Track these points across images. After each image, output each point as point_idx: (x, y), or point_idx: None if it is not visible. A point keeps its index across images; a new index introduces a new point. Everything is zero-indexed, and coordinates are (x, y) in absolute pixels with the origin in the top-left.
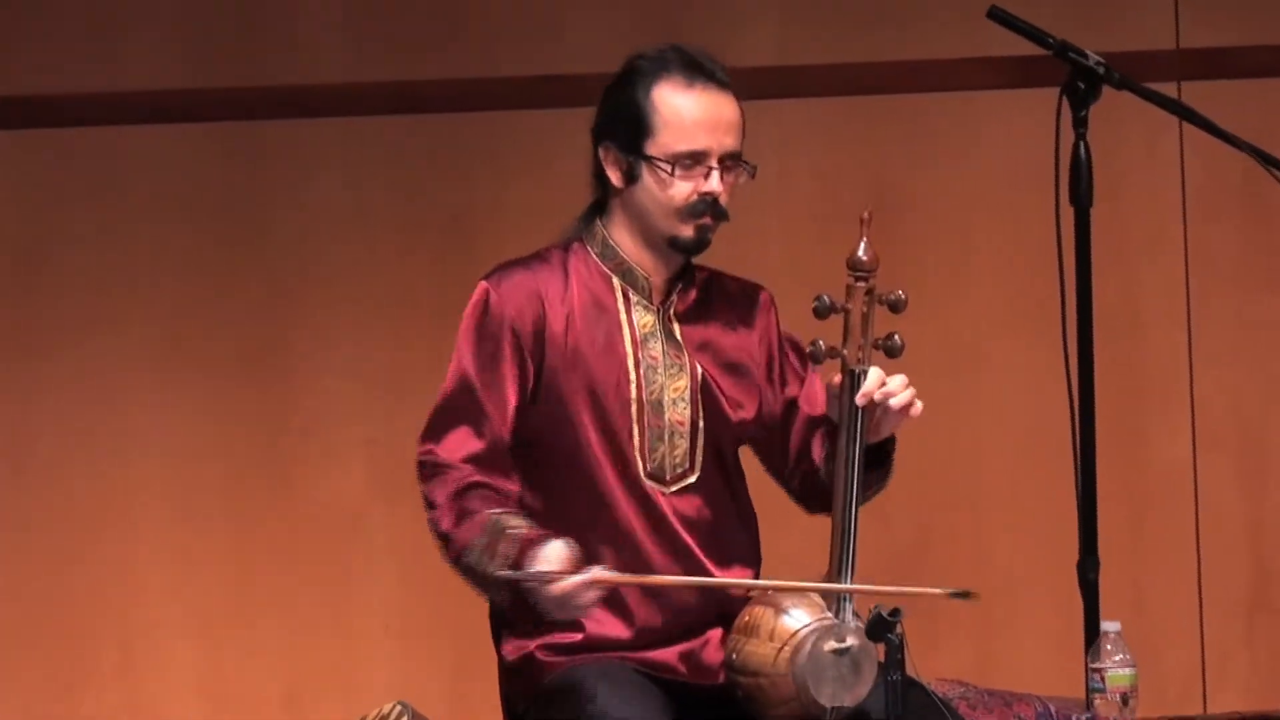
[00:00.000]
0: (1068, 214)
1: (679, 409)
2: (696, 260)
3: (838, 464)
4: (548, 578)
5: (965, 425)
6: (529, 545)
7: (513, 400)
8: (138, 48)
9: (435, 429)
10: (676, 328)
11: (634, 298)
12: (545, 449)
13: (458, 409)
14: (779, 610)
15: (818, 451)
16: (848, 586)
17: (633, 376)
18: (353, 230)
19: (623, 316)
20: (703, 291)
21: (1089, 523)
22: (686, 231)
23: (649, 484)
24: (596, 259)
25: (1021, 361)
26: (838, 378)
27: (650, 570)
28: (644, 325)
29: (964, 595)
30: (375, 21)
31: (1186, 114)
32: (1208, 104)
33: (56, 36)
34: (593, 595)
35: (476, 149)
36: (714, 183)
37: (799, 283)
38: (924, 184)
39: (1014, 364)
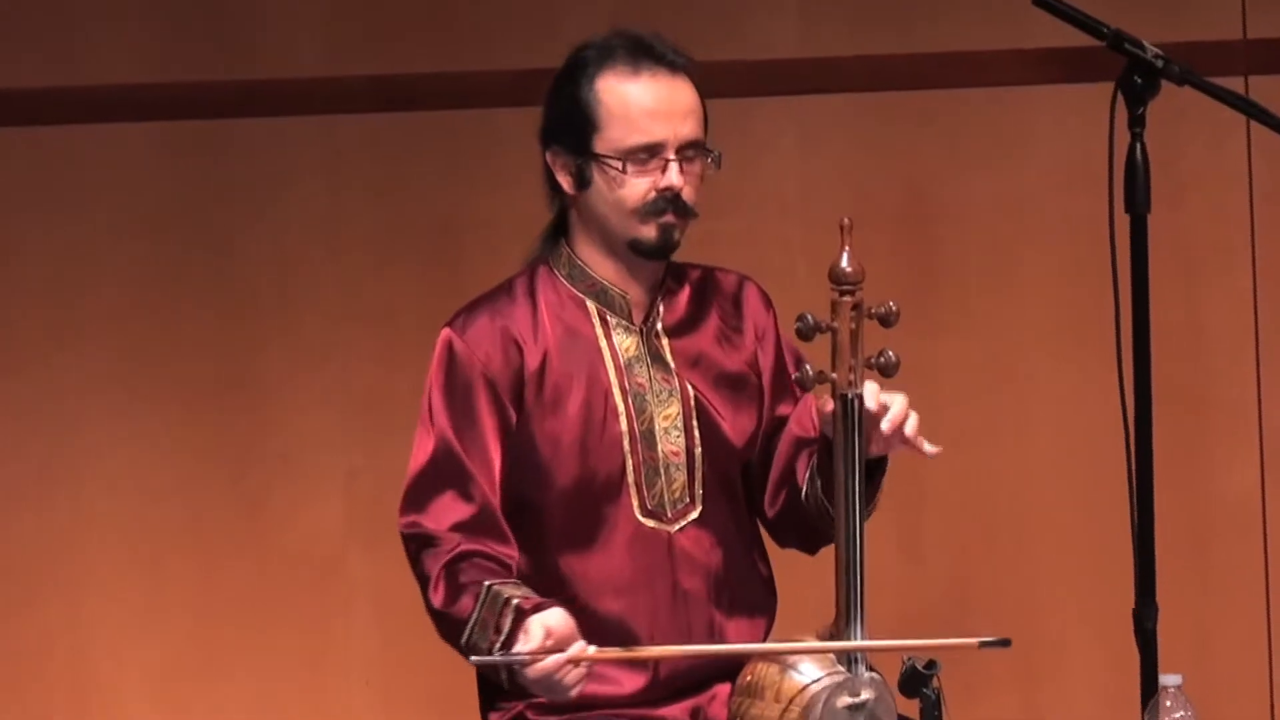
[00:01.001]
0: (1123, 222)
1: (672, 438)
2: (682, 259)
3: (837, 499)
4: (523, 660)
5: (1009, 455)
6: (521, 618)
7: (497, 456)
8: (94, 38)
9: (416, 497)
10: (665, 345)
11: (612, 320)
12: (534, 499)
13: (439, 473)
14: (784, 666)
15: (802, 473)
16: (869, 644)
17: (621, 408)
18: (331, 239)
19: (602, 343)
20: (693, 297)
21: (1146, 564)
22: (648, 233)
23: (648, 523)
24: (565, 282)
25: (1071, 385)
26: (828, 403)
27: (656, 619)
28: (627, 349)
29: (999, 644)
30: (356, 9)
31: (1255, 112)
32: (1279, 101)
33: (3, 26)
34: (577, 674)
35: (468, 150)
36: (672, 176)
37: (826, 297)
38: (962, 189)
39: (1063, 388)
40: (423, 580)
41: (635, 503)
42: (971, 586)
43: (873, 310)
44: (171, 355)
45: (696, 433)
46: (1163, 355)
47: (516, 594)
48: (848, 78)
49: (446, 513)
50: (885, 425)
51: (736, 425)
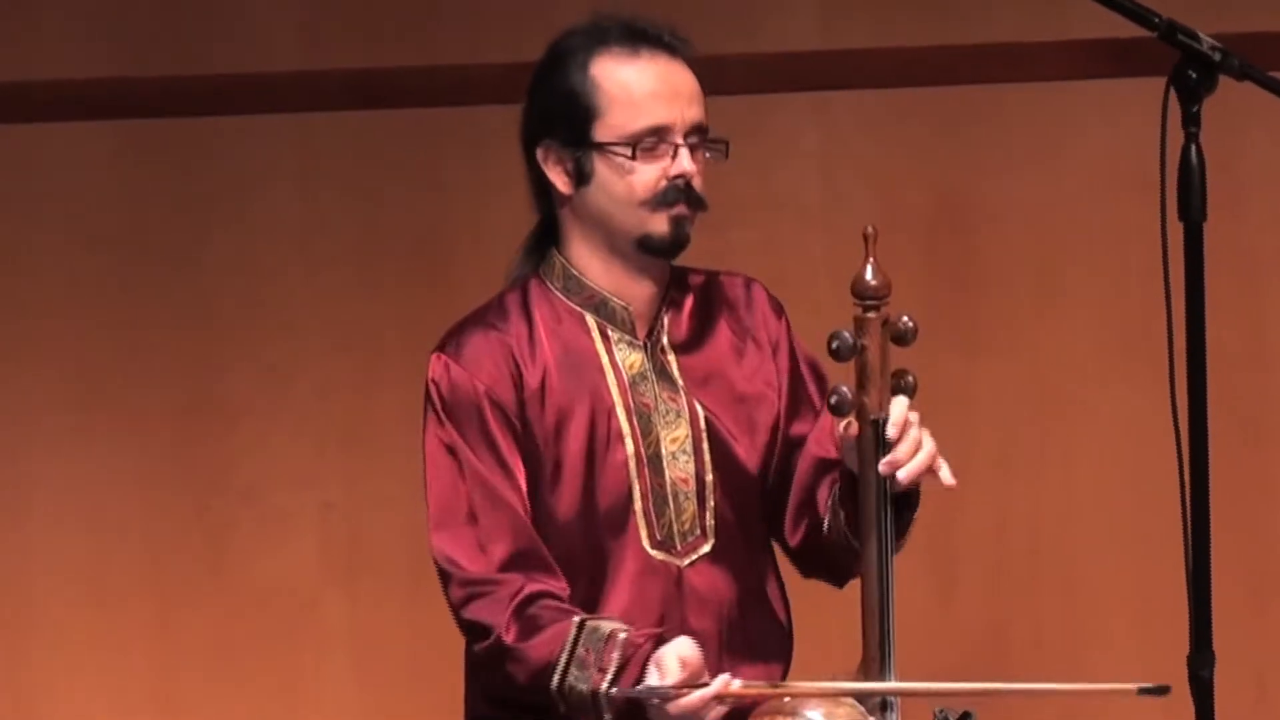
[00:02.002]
0: (1176, 231)
1: (680, 463)
2: (685, 264)
3: (865, 534)
4: (667, 694)
5: (1052, 486)
6: (636, 650)
7: (523, 480)
8: (43, 28)
9: (450, 540)
10: (672, 361)
11: (614, 334)
12: (536, 528)
13: (471, 507)
14: (796, 715)
15: (823, 502)
16: (985, 687)
17: (625, 429)
18: (305, 250)
19: (604, 359)
20: (698, 306)
21: (1202, 606)
22: (659, 226)
23: (657, 555)
24: (561, 295)
25: (1120, 410)
26: (852, 427)
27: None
28: (631, 366)
29: (1158, 691)
30: None
31: None
32: None
33: None
34: (719, 712)
35: (456, 151)
36: (684, 162)
37: (852, 314)
38: (1000, 195)
39: (1111, 413)
40: (483, 630)
41: (644, 533)
42: (1011, 631)
43: (893, 327)
44: (128, 378)
45: (707, 457)
46: (1220, 378)
47: (615, 626)
48: (874, 72)
49: (493, 550)
50: (904, 451)
51: (752, 448)
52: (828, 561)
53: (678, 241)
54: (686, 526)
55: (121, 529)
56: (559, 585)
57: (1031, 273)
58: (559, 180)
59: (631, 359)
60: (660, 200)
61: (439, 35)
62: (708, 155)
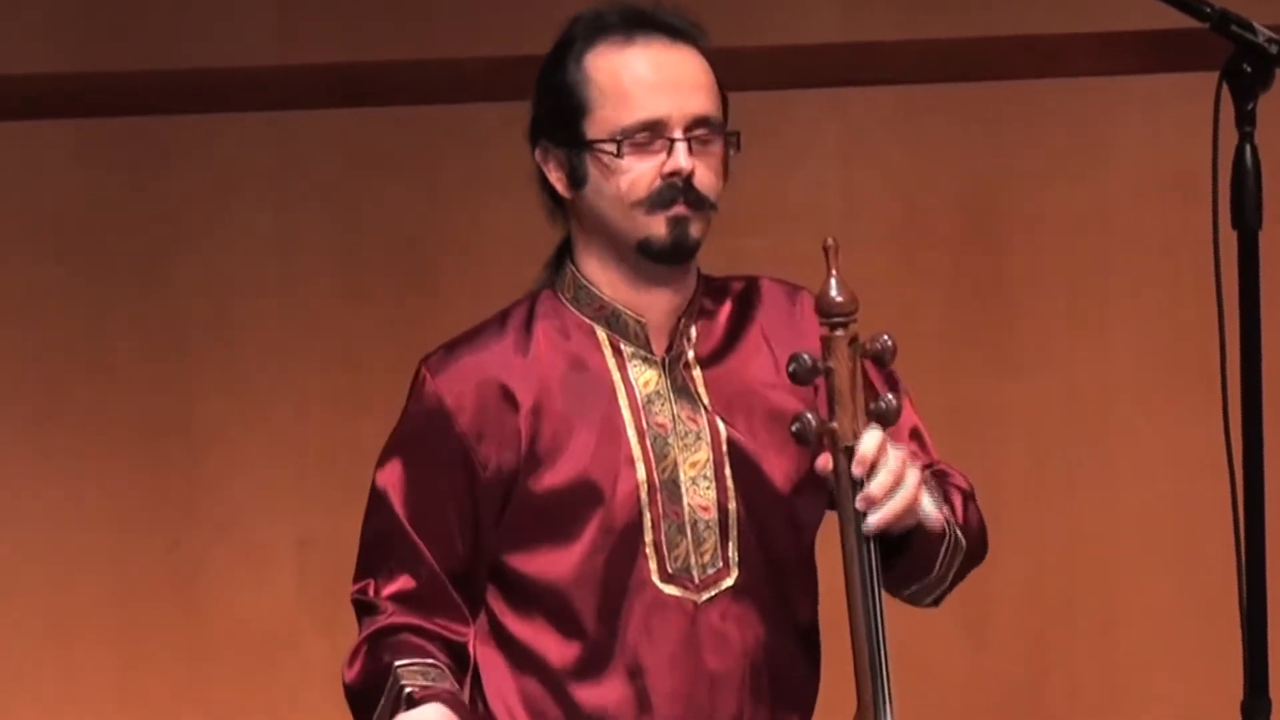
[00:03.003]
0: (1229, 239)
1: (700, 490)
2: (715, 270)
3: (848, 571)
4: None
5: (1092, 519)
6: (398, 709)
7: (455, 520)
8: (2, 19)
9: (365, 563)
10: (696, 377)
11: (627, 350)
12: (533, 563)
13: (382, 540)
14: None
15: None
16: None
17: (637, 453)
18: (282, 261)
19: (615, 376)
20: (734, 316)
21: (1257, 650)
22: (656, 229)
23: (670, 591)
24: (571, 307)
25: (1168, 434)
26: (826, 459)
27: (673, 708)
28: (645, 383)
29: None
30: None
31: None
32: None
33: None
34: None
35: (448, 153)
36: (679, 158)
37: (871, 329)
38: (1034, 200)
39: (1158, 437)
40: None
41: (654, 566)
42: (1048, 677)
43: (866, 345)
44: (91, 400)
45: (730, 483)
46: (1278, 400)
47: (415, 682)
48: (899, 66)
49: (389, 583)
50: (877, 497)
51: (786, 473)
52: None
53: (679, 245)
54: (706, 559)
55: (85, 563)
56: (449, 625)
57: (1068, 285)
58: (558, 182)
59: (646, 376)
60: (655, 200)
61: (430, 26)
62: (727, 141)
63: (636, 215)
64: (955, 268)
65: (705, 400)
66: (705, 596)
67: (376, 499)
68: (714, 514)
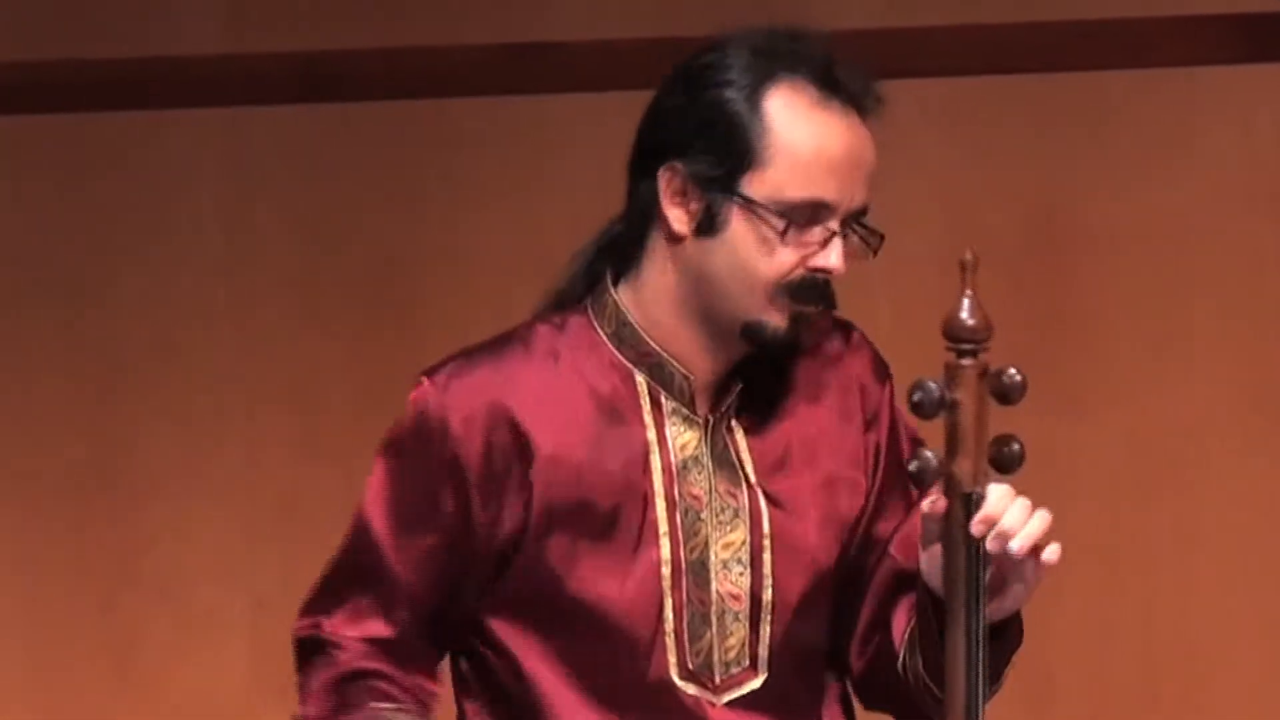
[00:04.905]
0: None
1: (733, 575)
2: None
3: (950, 658)
4: None
5: (1169, 578)
6: None
7: (441, 566)
8: None
9: (325, 596)
10: (740, 443)
11: (668, 404)
12: (528, 640)
13: (360, 571)
14: None
15: (900, 631)
16: None
17: (663, 526)
18: (234, 280)
19: (651, 434)
20: (783, 370)
21: None
22: (777, 319)
23: (686, 690)
24: (608, 342)
25: (1255, 481)
26: (941, 502)
27: None
28: (683, 446)
29: None
30: None
31: None
32: None
33: None
34: None
35: (426, 155)
36: (834, 256)
37: (917, 355)
38: (1107, 206)
39: (1245, 481)
40: (302, 693)
41: (672, 659)
42: None
43: (994, 379)
44: (13, 440)
45: (768, 569)
46: None
47: None
48: (949, 56)
49: (357, 621)
50: (1004, 542)
51: (829, 550)
52: (898, 695)
53: (793, 343)
54: (731, 655)
55: (5, 628)
56: (418, 682)
57: (1144, 310)
58: (677, 218)
59: (685, 438)
60: (794, 292)
61: (405, 9)
62: (868, 242)
63: (761, 296)
64: (1013, 290)
65: (748, 470)
66: (726, 699)
67: (360, 528)
68: (745, 604)
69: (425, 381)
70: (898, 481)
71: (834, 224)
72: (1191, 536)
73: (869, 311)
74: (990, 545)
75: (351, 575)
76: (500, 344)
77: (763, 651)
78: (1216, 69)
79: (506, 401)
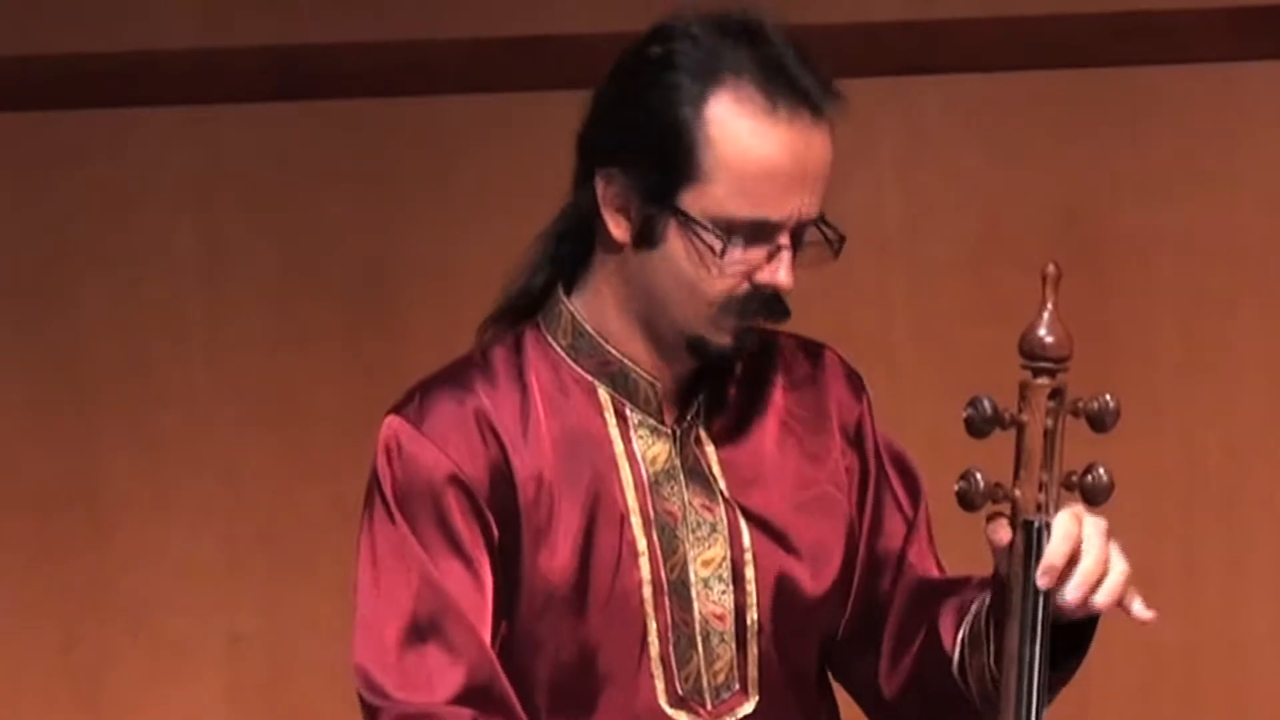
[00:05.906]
0: None
1: (714, 594)
2: None
3: (1007, 675)
4: None
5: (1215, 606)
6: None
7: (490, 590)
8: None
9: (379, 662)
10: (710, 454)
11: (634, 416)
12: (508, 666)
13: (421, 627)
14: None
15: (951, 634)
16: None
17: (642, 546)
18: (209, 288)
19: (618, 448)
20: (749, 380)
21: None
22: (720, 336)
23: (678, 718)
24: (566, 356)
25: None
26: (1003, 531)
27: None
28: (654, 459)
29: None
30: None
31: None
32: None
33: None
34: None
35: (410, 155)
36: (781, 272)
37: (940, 377)
38: (1143, 211)
39: None
40: None
41: (660, 685)
42: None
43: (1080, 404)
44: None
45: (752, 586)
46: None
47: None
48: (976, 50)
49: (439, 678)
50: (1075, 585)
51: (817, 573)
52: (940, 712)
53: (738, 354)
54: (720, 679)
55: None
56: None
57: (1186, 322)
58: (616, 225)
59: (655, 450)
60: (736, 309)
61: (389, 1)
62: (826, 244)
63: (704, 314)
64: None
65: (721, 485)
66: None
67: (397, 586)
68: (729, 624)
69: (397, 419)
70: (886, 497)
71: (783, 239)
72: (1237, 564)
73: (885, 328)
74: (1040, 581)
75: (407, 630)
76: (459, 370)
77: (752, 672)
78: (1261, 64)
79: (485, 414)
